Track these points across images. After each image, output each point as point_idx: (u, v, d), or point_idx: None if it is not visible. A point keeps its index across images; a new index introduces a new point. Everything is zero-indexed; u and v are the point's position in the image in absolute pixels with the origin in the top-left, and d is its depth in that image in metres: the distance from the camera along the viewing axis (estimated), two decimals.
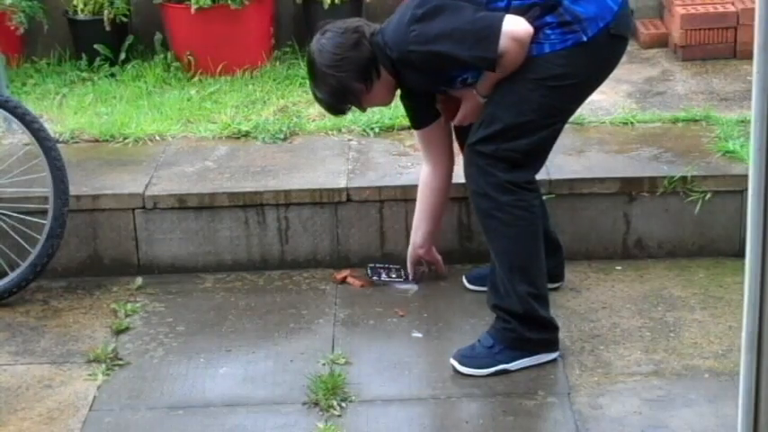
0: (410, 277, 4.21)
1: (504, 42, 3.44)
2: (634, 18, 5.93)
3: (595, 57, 3.55)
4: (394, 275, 4.26)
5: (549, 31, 3.49)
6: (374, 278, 4.26)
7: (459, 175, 4.34)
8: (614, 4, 3.54)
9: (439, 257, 4.20)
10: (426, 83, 3.73)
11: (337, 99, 3.75)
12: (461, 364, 3.65)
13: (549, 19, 3.49)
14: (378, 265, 4.31)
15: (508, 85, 3.55)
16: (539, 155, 3.66)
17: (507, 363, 3.63)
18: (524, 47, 3.47)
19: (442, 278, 4.25)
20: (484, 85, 3.62)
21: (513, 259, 3.62)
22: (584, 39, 3.50)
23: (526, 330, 3.62)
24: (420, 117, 3.91)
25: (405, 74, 3.69)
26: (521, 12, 3.49)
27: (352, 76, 3.67)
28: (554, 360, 3.69)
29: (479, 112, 3.65)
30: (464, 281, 4.20)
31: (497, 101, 3.59)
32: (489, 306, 3.72)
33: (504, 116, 3.55)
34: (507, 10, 3.50)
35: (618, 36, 3.59)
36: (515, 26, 3.46)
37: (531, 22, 3.48)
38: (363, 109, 3.93)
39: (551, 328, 3.68)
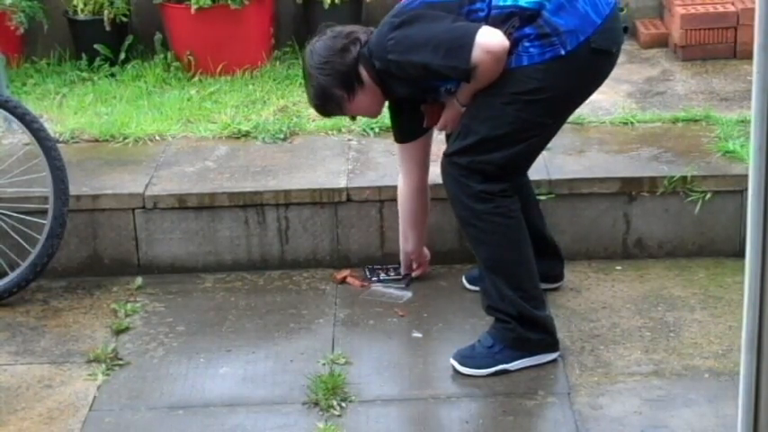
0: (404, 273, 4.23)
1: (476, 54, 3.41)
2: (634, 18, 5.94)
3: (574, 71, 3.50)
4: (392, 274, 4.26)
5: (527, 44, 3.46)
6: (372, 278, 4.26)
7: None
8: (597, 17, 3.48)
9: (428, 258, 4.23)
10: (412, 92, 3.72)
11: (321, 101, 3.77)
12: (461, 364, 3.65)
13: (527, 30, 3.45)
14: (376, 267, 4.32)
15: (485, 98, 3.54)
16: (515, 168, 3.64)
17: (507, 363, 3.63)
18: (498, 60, 3.44)
19: (439, 277, 4.26)
20: (463, 95, 3.62)
21: (498, 265, 3.63)
22: (562, 52, 3.45)
23: (526, 330, 3.62)
24: (404, 132, 3.91)
25: (390, 84, 3.68)
26: (499, 21, 3.46)
27: (333, 82, 3.68)
28: (554, 360, 3.69)
29: (460, 120, 3.65)
30: (464, 281, 4.20)
31: (474, 113, 3.57)
32: (484, 308, 3.73)
33: (479, 129, 3.53)
34: (486, 19, 3.48)
35: (600, 51, 3.52)
36: (490, 38, 3.42)
37: (510, 33, 3.45)
38: (352, 118, 3.96)
39: (550, 328, 3.68)
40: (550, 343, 3.68)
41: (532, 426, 3.43)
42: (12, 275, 4.20)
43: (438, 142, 3.98)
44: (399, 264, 4.26)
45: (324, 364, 3.74)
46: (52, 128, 4.84)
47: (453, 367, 3.66)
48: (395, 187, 4.33)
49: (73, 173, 4.33)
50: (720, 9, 5.65)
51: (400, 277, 4.24)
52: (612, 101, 5.08)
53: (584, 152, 4.55)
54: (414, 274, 4.24)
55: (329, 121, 4.89)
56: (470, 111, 3.59)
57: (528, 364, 3.65)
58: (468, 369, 3.64)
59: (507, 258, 3.62)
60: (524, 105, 3.49)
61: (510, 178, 3.61)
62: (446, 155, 3.62)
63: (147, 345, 3.93)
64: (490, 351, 3.64)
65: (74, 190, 4.26)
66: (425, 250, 4.21)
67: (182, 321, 4.07)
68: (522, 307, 3.60)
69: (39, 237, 4.18)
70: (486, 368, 3.63)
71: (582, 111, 4.57)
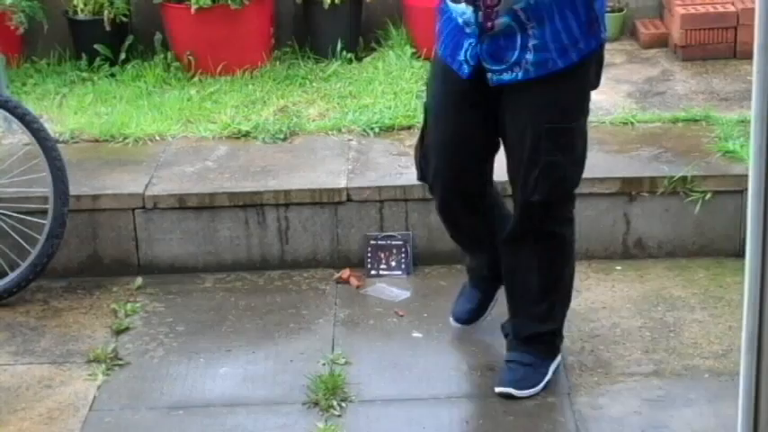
0: None
1: None
2: (634, 18, 5.95)
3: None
4: (393, 263, 4.26)
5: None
6: (372, 272, 4.26)
7: None
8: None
9: None
10: None
11: None
12: (516, 389, 3.52)
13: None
14: (379, 241, 4.30)
15: (541, 126, 3.32)
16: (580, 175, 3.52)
17: (548, 372, 3.58)
18: None
19: (439, 277, 4.26)
20: None
21: (566, 288, 3.59)
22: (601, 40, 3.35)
23: (557, 339, 3.62)
24: None
25: None
26: None
27: None
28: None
29: None
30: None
31: (542, 147, 3.32)
32: (525, 336, 3.56)
33: (559, 159, 3.35)
34: None
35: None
36: None
37: None
38: None
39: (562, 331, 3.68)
40: (560, 344, 3.67)
41: (532, 426, 3.43)
42: (12, 275, 4.21)
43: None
44: (403, 250, 4.24)
45: (324, 364, 3.74)
46: (52, 128, 4.83)
47: (510, 394, 3.50)
48: (395, 187, 4.34)
49: (73, 173, 4.33)
50: (720, 9, 5.65)
51: (401, 272, 4.25)
52: (612, 101, 5.08)
53: None
54: None
55: (329, 121, 4.90)
56: (533, 145, 3.33)
57: (555, 366, 3.61)
58: (524, 391, 3.52)
59: (572, 278, 3.61)
60: (578, 113, 3.41)
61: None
62: (541, 202, 3.38)
63: (147, 345, 3.93)
64: (533, 367, 3.54)
65: (74, 190, 4.26)
66: None
67: (182, 321, 4.07)
68: (563, 321, 3.59)
69: (39, 237, 4.18)
70: (539, 384, 3.54)
71: None
